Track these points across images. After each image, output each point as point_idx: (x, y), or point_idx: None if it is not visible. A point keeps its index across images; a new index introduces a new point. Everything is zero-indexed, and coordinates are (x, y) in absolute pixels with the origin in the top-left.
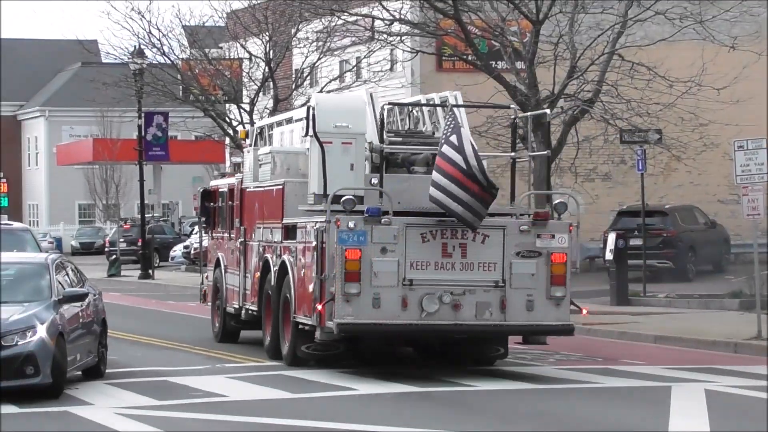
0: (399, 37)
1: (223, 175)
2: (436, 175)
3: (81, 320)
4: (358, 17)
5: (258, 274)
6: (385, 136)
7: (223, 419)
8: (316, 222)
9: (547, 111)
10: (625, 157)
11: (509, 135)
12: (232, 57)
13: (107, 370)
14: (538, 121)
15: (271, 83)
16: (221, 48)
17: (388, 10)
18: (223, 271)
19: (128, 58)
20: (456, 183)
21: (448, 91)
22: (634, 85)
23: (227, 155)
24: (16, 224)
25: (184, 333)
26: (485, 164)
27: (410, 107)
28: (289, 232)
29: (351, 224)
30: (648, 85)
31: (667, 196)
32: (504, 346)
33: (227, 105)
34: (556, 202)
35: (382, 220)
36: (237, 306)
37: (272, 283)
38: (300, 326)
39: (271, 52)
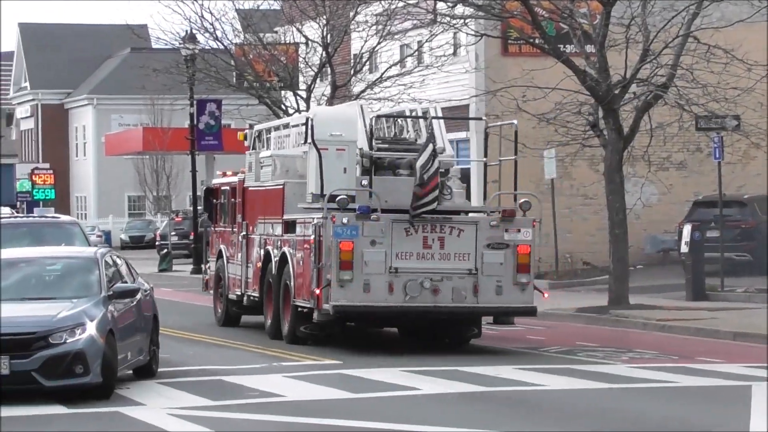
0: (463, 20)
1: (224, 174)
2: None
3: (132, 317)
4: None
5: (260, 264)
6: (373, 144)
7: (280, 420)
8: (314, 218)
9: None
10: (701, 144)
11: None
12: (287, 42)
13: (159, 369)
14: (609, 107)
15: (329, 69)
16: (276, 32)
17: None
18: (225, 261)
19: (179, 44)
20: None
21: (428, 102)
22: (710, 69)
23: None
24: (64, 217)
25: (239, 331)
26: (434, 168)
27: (395, 117)
28: (289, 227)
29: (345, 220)
30: (725, 68)
31: (746, 185)
32: (478, 326)
33: (283, 92)
34: (522, 200)
35: (372, 217)
36: (239, 293)
37: (273, 272)
38: (299, 309)
39: (329, 36)
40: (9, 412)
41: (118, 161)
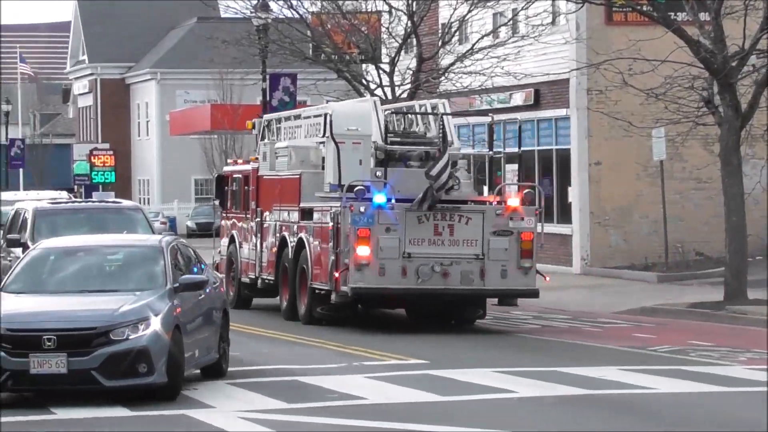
0: None
1: (235, 162)
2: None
3: (200, 311)
4: None
5: (275, 249)
6: (387, 137)
7: (361, 425)
8: (332, 206)
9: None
10: None
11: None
12: (369, 10)
13: (229, 369)
14: (726, 81)
15: (414, 40)
16: (357, 0)
17: None
18: (237, 246)
19: (251, 12)
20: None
21: (437, 99)
22: None
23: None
24: (126, 202)
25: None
26: (446, 176)
27: (404, 109)
28: (305, 214)
29: (362, 209)
30: None
31: None
32: (483, 308)
33: (364, 65)
34: (525, 191)
35: (386, 206)
36: (253, 276)
37: (290, 256)
38: (316, 291)
39: (414, 4)
40: (66, 414)
41: (184, 141)
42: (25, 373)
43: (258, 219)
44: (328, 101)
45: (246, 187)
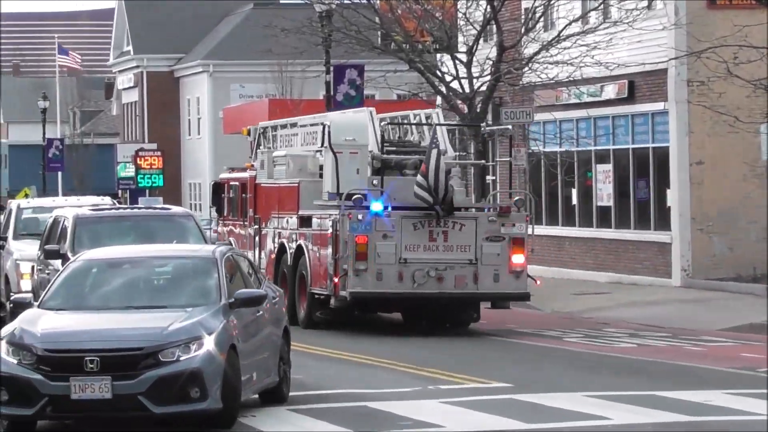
0: None
1: (231, 170)
2: (419, 178)
3: (258, 330)
4: None
5: (273, 255)
6: (383, 147)
7: None
8: (331, 214)
9: (509, 127)
10: None
11: None
12: None
13: (291, 393)
14: None
15: (495, 27)
16: None
17: None
18: None
19: None
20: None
21: (431, 109)
22: None
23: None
24: (176, 209)
25: (383, 345)
26: (443, 179)
27: (399, 119)
28: (304, 221)
29: (360, 217)
30: None
31: None
32: (477, 311)
33: (438, 55)
34: (516, 198)
35: (383, 214)
36: None
37: (288, 262)
38: (315, 296)
39: None
40: None
41: (240, 140)
42: (65, 399)
43: (256, 226)
44: (399, 97)
45: (243, 195)
